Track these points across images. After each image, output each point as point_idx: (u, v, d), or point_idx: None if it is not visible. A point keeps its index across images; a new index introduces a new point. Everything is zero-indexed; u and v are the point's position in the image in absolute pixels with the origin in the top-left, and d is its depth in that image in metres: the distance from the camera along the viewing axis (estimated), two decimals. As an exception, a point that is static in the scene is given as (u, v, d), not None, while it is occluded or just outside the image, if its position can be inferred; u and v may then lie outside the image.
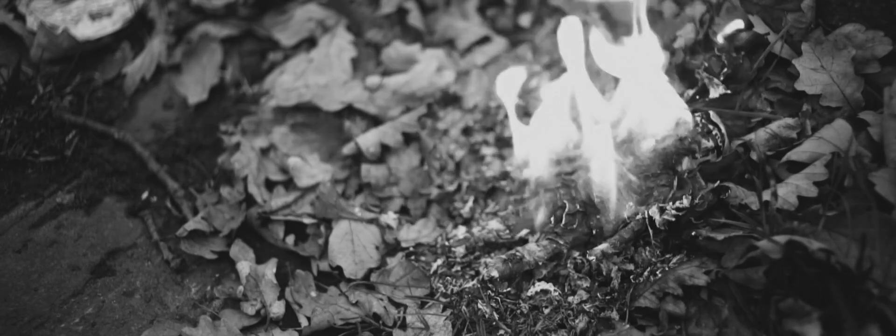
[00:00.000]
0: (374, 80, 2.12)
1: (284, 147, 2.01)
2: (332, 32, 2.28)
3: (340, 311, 1.66)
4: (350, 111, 2.07)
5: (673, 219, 1.54)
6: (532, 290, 1.59)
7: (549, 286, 1.59)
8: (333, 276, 1.78)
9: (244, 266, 1.73)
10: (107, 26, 2.29)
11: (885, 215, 1.34)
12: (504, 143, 1.97)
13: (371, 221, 1.85)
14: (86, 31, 2.27)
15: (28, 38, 2.25)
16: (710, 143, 1.62)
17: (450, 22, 2.30)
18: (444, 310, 1.63)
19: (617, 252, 1.58)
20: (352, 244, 1.80)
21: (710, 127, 1.63)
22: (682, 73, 1.84)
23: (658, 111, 1.62)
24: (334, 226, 1.83)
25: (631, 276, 1.57)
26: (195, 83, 2.23)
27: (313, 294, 1.70)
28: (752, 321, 1.39)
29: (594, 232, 1.64)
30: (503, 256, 1.62)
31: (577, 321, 1.52)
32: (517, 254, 1.61)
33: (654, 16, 2.11)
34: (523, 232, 1.71)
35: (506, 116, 2.03)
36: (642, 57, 1.64)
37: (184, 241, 1.80)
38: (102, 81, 2.24)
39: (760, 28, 1.74)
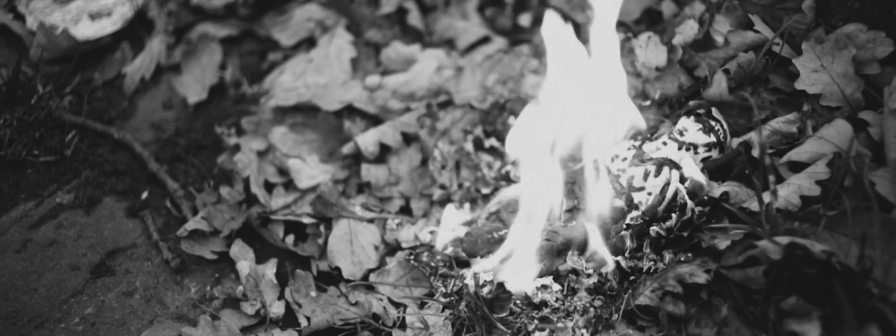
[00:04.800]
0: (373, 79, 2.12)
1: (284, 147, 2.01)
2: (332, 32, 2.27)
3: (340, 312, 1.66)
4: (350, 111, 2.07)
5: (665, 232, 1.55)
6: (532, 288, 1.58)
7: (549, 281, 1.58)
8: (333, 277, 1.78)
9: (244, 266, 1.73)
10: (106, 26, 2.29)
11: (886, 215, 1.34)
12: (504, 143, 1.96)
13: (371, 221, 1.85)
14: (85, 31, 2.26)
15: (28, 38, 2.25)
16: (712, 139, 1.62)
17: (449, 22, 2.30)
18: (443, 310, 1.63)
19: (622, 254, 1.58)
20: (351, 245, 1.80)
21: (712, 123, 1.63)
22: (683, 69, 1.84)
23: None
24: (334, 226, 1.83)
25: (630, 277, 1.56)
26: (195, 83, 2.23)
27: (313, 294, 1.70)
28: (752, 321, 1.39)
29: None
30: (502, 255, 1.61)
31: (576, 320, 1.52)
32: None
33: (654, 15, 2.11)
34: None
35: (507, 116, 2.03)
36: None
37: (184, 241, 1.80)
38: (102, 81, 2.23)
39: (760, 28, 1.74)
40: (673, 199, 1.57)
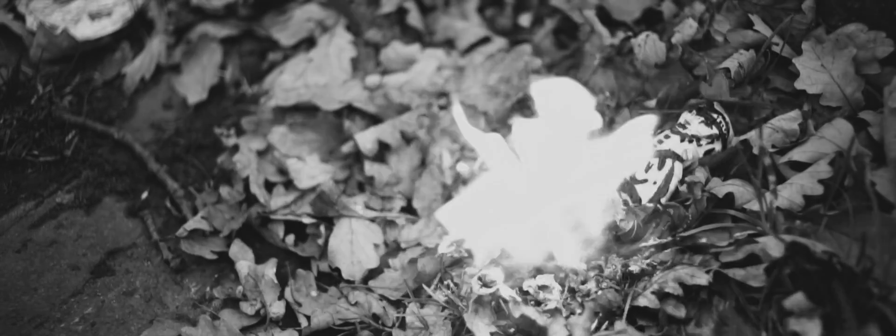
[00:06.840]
0: (373, 79, 2.12)
1: (283, 147, 2.01)
2: (332, 32, 2.28)
3: (340, 311, 1.66)
4: (350, 111, 2.07)
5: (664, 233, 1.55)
6: (533, 285, 1.57)
7: (550, 279, 1.58)
8: (333, 277, 1.78)
9: (243, 266, 1.73)
10: (106, 26, 2.28)
11: (886, 215, 1.34)
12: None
13: (372, 220, 1.85)
14: (85, 31, 2.26)
15: (28, 38, 2.24)
16: (714, 131, 1.62)
17: (449, 22, 2.30)
18: (443, 310, 1.63)
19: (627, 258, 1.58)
20: (351, 245, 1.80)
21: (714, 115, 1.63)
22: (683, 68, 1.84)
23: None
24: (335, 225, 1.83)
25: (631, 277, 1.56)
26: (195, 83, 2.23)
27: (313, 294, 1.70)
28: (753, 320, 1.39)
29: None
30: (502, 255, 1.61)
31: (576, 320, 1.52)
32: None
33: (654, 15, 2.11)
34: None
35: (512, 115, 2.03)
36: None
37: (184, 241, 1.80)
38: (102, 81, 2.23)
39: (760, 27, 1.74)
40: (676, 192, 1.58)
